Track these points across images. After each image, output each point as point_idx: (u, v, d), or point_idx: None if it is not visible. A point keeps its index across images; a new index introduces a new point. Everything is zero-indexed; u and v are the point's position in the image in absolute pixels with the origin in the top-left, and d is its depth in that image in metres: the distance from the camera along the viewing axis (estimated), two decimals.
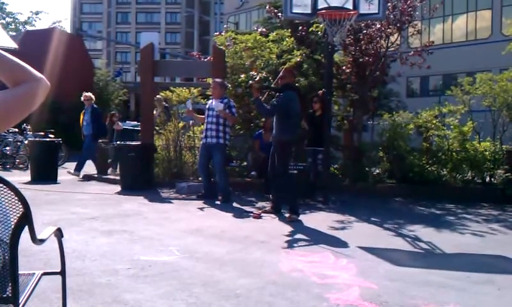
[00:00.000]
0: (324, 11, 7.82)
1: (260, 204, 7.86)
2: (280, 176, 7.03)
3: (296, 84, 10.01)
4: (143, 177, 9.40)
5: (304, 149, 9.39)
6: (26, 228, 1.94)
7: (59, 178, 10.82)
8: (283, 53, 10.36)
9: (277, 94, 7.22)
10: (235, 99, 9.23)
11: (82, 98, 12.19)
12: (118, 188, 9.43)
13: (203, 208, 7.66)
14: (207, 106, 8.50)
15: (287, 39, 10.50)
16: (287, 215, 6.85)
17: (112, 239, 5.39)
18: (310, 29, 10.11)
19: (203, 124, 8.82)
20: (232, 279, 4.01)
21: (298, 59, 10.21)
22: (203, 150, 8.48)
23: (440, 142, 9.73)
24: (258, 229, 6.16)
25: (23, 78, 1.38)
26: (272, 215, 7.00)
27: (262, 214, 7.02)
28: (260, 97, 7.15)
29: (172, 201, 8.32)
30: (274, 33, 10.63)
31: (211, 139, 8.26)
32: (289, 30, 10.75)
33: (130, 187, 9.16)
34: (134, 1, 72.80)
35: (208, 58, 11.76)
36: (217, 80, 8.55)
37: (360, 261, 4.66)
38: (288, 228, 6.25)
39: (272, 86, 7.88)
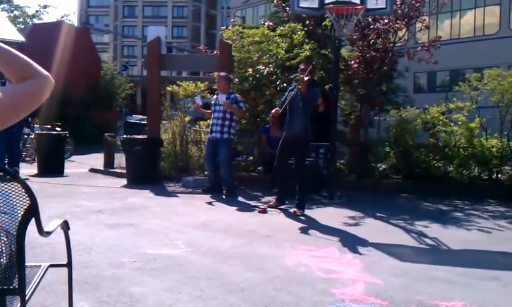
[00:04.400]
0: (331, 5, 7.78)
1: (265, 198, 7.86)
2: (300, 172, 7.02)
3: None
4: (149, 171, 9.41)
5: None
6: (33, 221, 1.95)
7: (65, 171, 10.87)
8: (293, 47, 10.31)
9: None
10: (242, 94, 9.22)
11: None
12: (124, 181, 9.46)
13: (209, 202, 7.67)
14: (213, 101, 8.48)
15: (298, 32, 10.45)
16: (292, 210, 6.85)
17: (118, 232, 5.41)
18: (324, 23, 10.05)
19: (208, 119, 8.83)
20: (237, 273, 4.02)
21: (308, 54, 10.18)
22: (210, 146, 8.47)
23: (447, 138, 9.69)
24: (263, 223, 6.17)
25: (29, 75, 1.39)
26: (277, 210, 7.00)
27: (267, 209, 7.03)
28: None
29: (178, 195, 8.33)
30: (286, 26, 10.57)
31: (216, 134, 8.25)
32: (301, 23, 10.69)
33: (136, 180, 9.18)
34: None
35: (215, 52, 11.75)
36: (223, 73, 8.54)
37: (365, 257, 4.66)
38: (293, 223, 6.26)
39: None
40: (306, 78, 6.75)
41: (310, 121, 7.05)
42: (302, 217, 6.61)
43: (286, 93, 7.33)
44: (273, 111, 7.11)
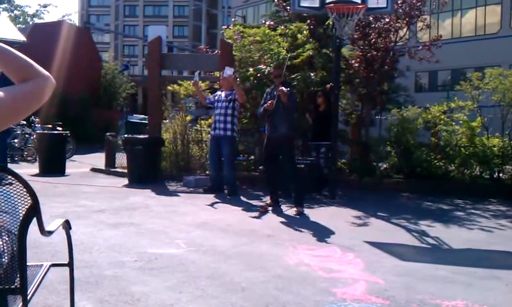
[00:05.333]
0: (332, 4, 7.78)
1: (267, 198, 7.85)
2: (291, 171, 7.09)
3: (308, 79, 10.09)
4: (150, 170, 9.43)
5: (309, 144, 9.44)
6: (34, 220, 1.95)
7: (67, 171, 10.87)
8: (295, 47, 10.31)
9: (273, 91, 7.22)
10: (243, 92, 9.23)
11: None
12: (126, 181, 9.47)
13: (210, 201, 7.66)
14: (216, 98, 8.53)
15: (304, 32, 10.45)
16: (293, 209, 6.87)
17: (120, 232, 5.41)
18: (327, 22, 10.04)
19: (208, 115, 8.90)
20: (238, 273, 4.02)
21: (310, 53, 10.18)
22: (213, 143, 8.53)
23: (448, 137, 9.69)
24: (264, 223, 6.17)
25: (30, 75, 1.39)
26: (272, 208, 7.03)
27: (268, 208, 7.04)
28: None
29: (179, 194, 8.34)
30: (292, 26, 10.57)
31: (219, 131, 8.31)
32: (305, 24, 10.68)
33: (138, 180, 9.19)
34: None
35: (216, 52, 11.75)
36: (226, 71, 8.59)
37: (367, 256, 4.65)
38: (294, 222, 6.25)
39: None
40: (285, 90, 6.84)
41: (294, 119, 7.22)
42: (303, 216, 6.61)
43: (265, 95, 7.39)
44: (267, 104, 7.09)
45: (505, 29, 23.85)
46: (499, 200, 8.38)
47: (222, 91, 8.49)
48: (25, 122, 13.71)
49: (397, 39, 10.27)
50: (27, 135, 13.66)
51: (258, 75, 9.82)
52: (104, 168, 11.27)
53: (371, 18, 9.87)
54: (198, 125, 10.98)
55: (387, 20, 9.90)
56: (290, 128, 7.11)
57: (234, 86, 8.25)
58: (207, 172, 9.29)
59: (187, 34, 71.50)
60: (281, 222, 6.29)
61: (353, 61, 10.56)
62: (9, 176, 1.92)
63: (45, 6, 47.02)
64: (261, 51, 10.14)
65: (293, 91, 7.38)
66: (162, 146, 9.94)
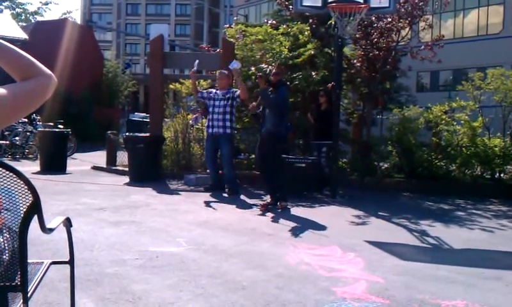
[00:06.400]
0: (334, 4, 7.78)
1: (267, 197, 7.85)
2: (275, 168, 7.22)
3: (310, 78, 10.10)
4: (152, 169, 9.43)
5: (310, 143, 9.44)
6: (35, 217, 1.96)
7: (68, 169, 10.88)
8: (297, 46, 10.30)
9: (270, 89, 7.28)
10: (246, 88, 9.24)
11: None
12: (127, 179, 9.47)
13: (211, 200, 7.67)
14: (211, 95, 8.51)
15: (306, 33, 10.44)
16: (279, 204, 6.99)
17: (121, 230, 5.42)
18: (329, 22, 10.05)
19: (203, 110, 9.00)
20: (239, 271, 4.02)
21: (312, 53, 10.17)
22: (210, 141, 8.51)
23: (450, 137, 9.68)
24: (265, 221, 6.17)
25: (32, 74, 1.39)
26: (272, 207, 7.05)
27: (268, 206, 7.05)
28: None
29: (180, 192, 8.34)
30: (294, 27, 10.57)
31: (218, 129, 8.29)
32: (307, 23, 10.67)
33: (139, 178, 9.20)
34: None
35: (218, 50, 11.74)
36: (224, 71, 8.60)
37: (367, 255, 4.65)
38: (295, 221, 6.25)
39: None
40: (260, 75, 7.25)
41: (281, 117, 7.24)
42: (304, 215, 6.61)
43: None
44: (250, 107, 7.53)
45: (508, 29, 23.78)
46: (500, 200, 8.37)
47: (218, 90, 8.47)
48: (26, 120, 13.73)
49: (399, 39, 10.26)
50: (28, 133, 13.68)
51: (258, 73, 9.81)
52: (105, 166, 11.27)
53: (373, 18, 9.87)
54: (199, 124, 10.98)
55: (389, 19, 9.90)
56: (276, 125, 7.11)
57: (238, 81, 8.24)
58: (208, 170, 9.30)
59: (189, 33, 71.50)
60: (282, 221, 6.29)
61: (355, 61, 10.55)
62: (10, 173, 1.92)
63: (46, 4, 46.98)
64: (263, 50, 10.14)
65: (283, 87, 7.34)
66: (163, 145, 9.95)
